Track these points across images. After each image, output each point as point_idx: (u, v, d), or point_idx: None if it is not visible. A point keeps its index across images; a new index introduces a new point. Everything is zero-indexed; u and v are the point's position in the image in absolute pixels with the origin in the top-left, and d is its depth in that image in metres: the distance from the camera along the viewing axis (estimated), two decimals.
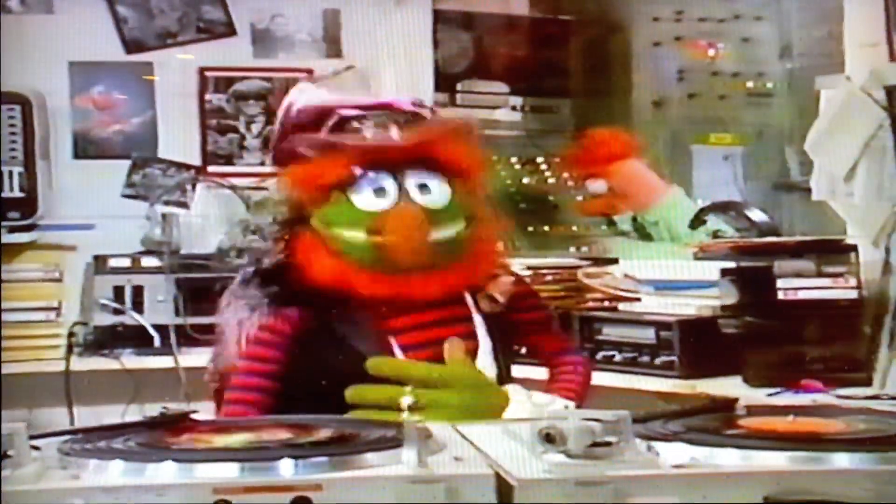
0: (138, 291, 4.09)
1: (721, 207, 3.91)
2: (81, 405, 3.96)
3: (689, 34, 4.86)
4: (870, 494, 1.34)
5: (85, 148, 4.40)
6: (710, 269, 3.18)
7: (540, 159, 4.75)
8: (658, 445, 1.45)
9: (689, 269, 3.30)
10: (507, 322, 2.22)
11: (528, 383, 2.19)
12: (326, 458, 1.42)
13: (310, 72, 4.34)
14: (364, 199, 2.10)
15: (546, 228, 4.65)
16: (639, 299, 3.36)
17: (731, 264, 3.16)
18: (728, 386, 2.97)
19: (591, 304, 3.47)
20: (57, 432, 1.57)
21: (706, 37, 4.87)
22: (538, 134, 4.87)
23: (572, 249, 4.41)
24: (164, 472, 1.38)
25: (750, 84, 4.87)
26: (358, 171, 2.10)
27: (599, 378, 2.37)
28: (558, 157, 4.63)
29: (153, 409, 1.68)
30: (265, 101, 4.51)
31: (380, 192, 2.10)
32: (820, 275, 3.07)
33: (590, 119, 4.60)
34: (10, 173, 4.08)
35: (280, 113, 2.24)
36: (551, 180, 4.72)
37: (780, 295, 3.05)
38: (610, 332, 3.29)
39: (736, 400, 1.75)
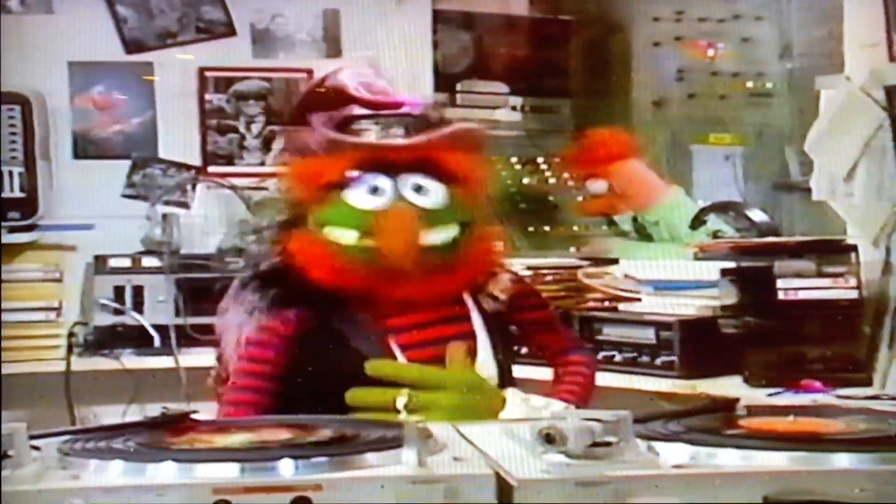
0: (138, 291, 4.09)
1: (721, 207, 3.91)
2: (81, 405, 3.97)
3: (689, 34, 4.86)
4: (870, 494, 1.34)
5: (85, 148, 4.39)
6: (710, 269, 3.19)
7: (540, 159, 4.75)
8: (658, 445, 1.45)
9: (689, 269, 3.30)
10: (509, 322, 2.22)
11: (530, 384, 2.19)
12: (326, 458, 1.42)
13: (310, 72, 4.34)
14: (359, 197, 2.10)
15: (546, 228, 4.65)
16: (639, 299, 3.36)
17: (731, 264, 3.16)
18: (728, 386, 2.97)
19: (591, 304, 3.47)
20: (57, 432, 1.57)
21: (706, 37, 4.86)
22: (538, 134, 4.86)
23: (572, 249, 4.40)
24: (164, 472, 1.38)
25: (750, 84, 4.86)
26: (355, 172, 2.10)
27: (599, 378, 2.37)
28: (558, 157, 4.62)
29: (153, 409, 1.68)
30: (265, 101, 4.50)
31: (375, 191, 2.10)
32: (820, 275, 3.07)
33: (590, 119, 4.60)
34: (11, 173, 4.07)
35: (314, 80, 2.24)
36: (551, 180, 4.72)
37: (781, 295, 3.06)
38: (610, 333, 3.29)
39: (736, 400, 1.75)
